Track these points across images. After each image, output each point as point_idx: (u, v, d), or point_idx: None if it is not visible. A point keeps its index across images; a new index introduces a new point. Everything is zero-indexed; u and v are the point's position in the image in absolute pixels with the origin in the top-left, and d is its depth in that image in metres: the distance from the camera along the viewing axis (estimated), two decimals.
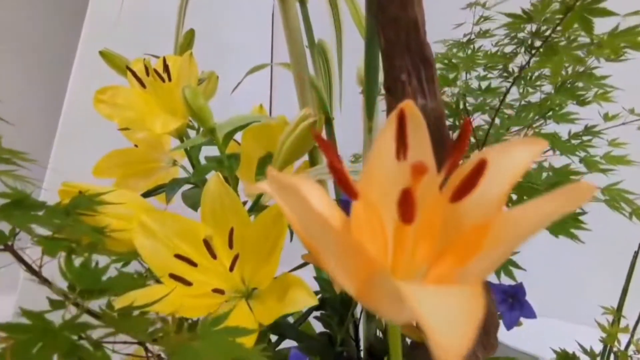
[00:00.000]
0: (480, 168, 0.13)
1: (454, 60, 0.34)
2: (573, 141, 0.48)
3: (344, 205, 0.43)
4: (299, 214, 0.13)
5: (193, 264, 0.27)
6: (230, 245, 0.28)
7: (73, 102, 0.73)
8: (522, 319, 0.48)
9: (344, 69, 0.66)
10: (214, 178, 0.29)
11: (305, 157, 0.49)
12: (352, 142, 0.71)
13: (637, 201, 0.35)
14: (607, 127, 0.48)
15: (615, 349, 0.49)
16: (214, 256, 0.27)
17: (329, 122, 0.62)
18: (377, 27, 0.23)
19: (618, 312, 0.50)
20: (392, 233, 0.15)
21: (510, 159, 0.15)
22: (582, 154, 0.46)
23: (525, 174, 0.39)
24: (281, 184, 0.13)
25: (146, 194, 0.48)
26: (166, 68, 0.38)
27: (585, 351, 0.49)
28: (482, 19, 0.70)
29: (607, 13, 0.27)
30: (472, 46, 0.72)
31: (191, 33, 0.48)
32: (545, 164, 0.44)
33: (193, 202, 0.48)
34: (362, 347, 0.54)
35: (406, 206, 0.13)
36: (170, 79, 0.38)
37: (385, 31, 0.22)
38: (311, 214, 0.12)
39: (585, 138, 0.48)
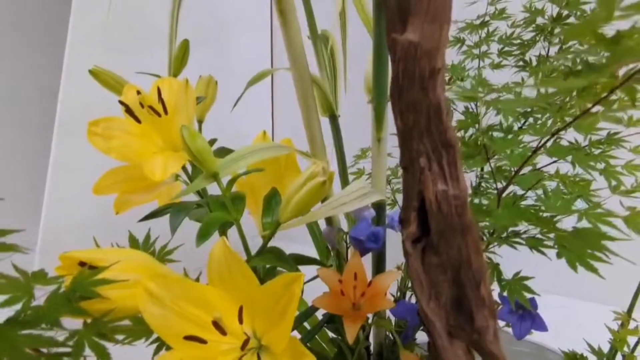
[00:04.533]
0: None
1: (478, 92, 0.32)
2: (594, 149, 0.46)
3: (356, 242, 0.42)
4: None
5: (202, 341, 0.26)
6: (240, 321, 0.27)
7: (68, 97, 0.70)
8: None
9: (348, 59, 0.62)
10: (219, 245, 0.28)
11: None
12: (358, 136, 0.68)
13: None
14: (630, 135, 0.45)
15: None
16: (223, 334, 0.26)
17: (334, 119, 0.59)
18: (394, 110, 0.20)
19: (628, 314, 0.50)
20: None
21: None
22: (602, 164, 0.44)
23: (545, 200, 0.37)
24: None
25: (150, 216, 0.47)
26: (161, 100, 0.35)
27: (593, 351, 0.50)
28: None
29: None
30: (486, 29, 0.67)
31: (185, 44, 0.45)
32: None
33: (198, 217, 0.47)
34: (372, 352, 0.55)
35: None
36: (166, 112, 0.36)
37: (403, 115, 0.20)
38: None
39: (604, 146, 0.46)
